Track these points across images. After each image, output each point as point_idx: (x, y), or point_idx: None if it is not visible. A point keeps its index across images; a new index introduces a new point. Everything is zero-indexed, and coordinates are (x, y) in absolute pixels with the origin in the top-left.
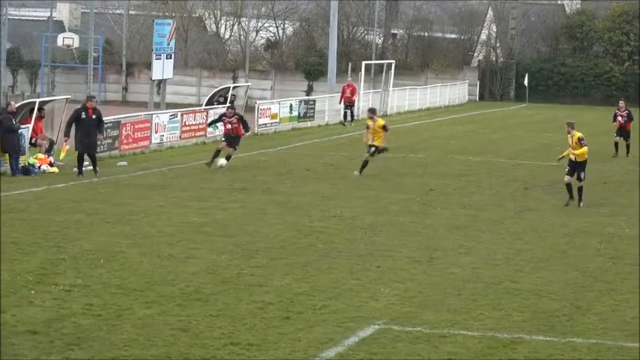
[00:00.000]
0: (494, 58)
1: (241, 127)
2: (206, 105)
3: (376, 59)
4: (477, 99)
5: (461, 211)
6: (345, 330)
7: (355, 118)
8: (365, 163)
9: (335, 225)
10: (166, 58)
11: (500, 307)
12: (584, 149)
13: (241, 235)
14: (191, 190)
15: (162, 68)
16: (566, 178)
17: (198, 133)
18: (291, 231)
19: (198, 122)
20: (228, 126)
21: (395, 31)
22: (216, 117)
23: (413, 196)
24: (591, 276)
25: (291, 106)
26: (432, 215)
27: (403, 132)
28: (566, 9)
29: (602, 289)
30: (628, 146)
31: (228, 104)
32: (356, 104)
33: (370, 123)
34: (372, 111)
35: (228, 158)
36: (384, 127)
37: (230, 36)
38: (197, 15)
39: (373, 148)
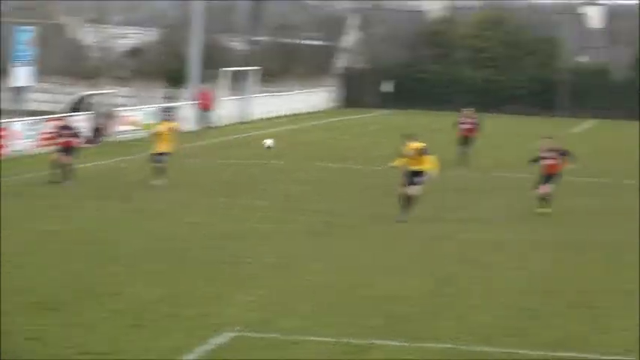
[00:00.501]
0: (356, 65)
1: (78, 139)
2: (65, 112)
3: (240, 66)
4: (340, 105)
5: (317, 217)
6: (199, 337)
7: (211, 125)
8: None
9: (191, 232)
10: (25, 65)
11: (355, 312)
12: (430, 159)
13: (97, 243)
14: (49, 198)
15: (21, 75)
16: (402, 189)
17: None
18: (147, 239)
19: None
20: (63, 139)
21: (259, 38)
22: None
23: (272, 202)
24: (444, 281)
25: (151, 112)
26: (290, 222)
27: (265, 138)
28: (428, 16)
29: (455, 294)
30: (468, 156)
31: (88, 112)
32: (215, 111)
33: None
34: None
35: (63, 167)
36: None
37: (92, 43)
38: (59, 22)
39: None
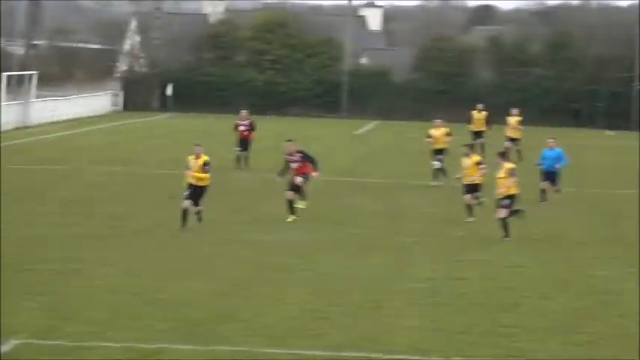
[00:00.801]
0: (137, 68)
1: None
2: None
3: (18, 70)
4: (122, 109)
5: (104, 221)
6: None
7: None
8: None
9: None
10: None
11: (144, 317)
12: (205, 175)
13: None
14: None
15: None
16: (185, 203)
17: None
18: None
19: None
20: None
21: (37, 42)
22: None
23: (56, 207)
24: (234, 284)
25: None
26: (76, 226)
27: (47, 143)
28: (210, 18)
29: (243, 297)
30: (247, 158)
31: None
32: None
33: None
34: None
35: None
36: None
37: None
38: None
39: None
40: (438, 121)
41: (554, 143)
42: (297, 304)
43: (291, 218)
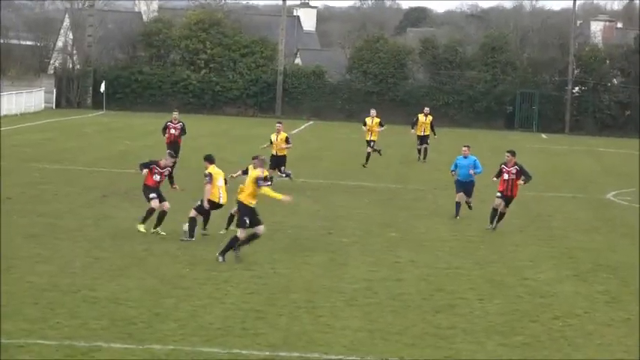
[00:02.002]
0: (70, 66)
1: None
2: None
3: None
4: (54, 106)
5: (38, 219)
6: None
7: None
8: None
9: None
10: None
11: (78, 315)
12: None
13: None
14: None
15: None
16: None
17: None
18: None
19: None
20: None
21: None
22: None
23: None
24: (169, 282)
25: None
26: (9, 224)
27: None
28: (144, 17)
29: (180, 295)
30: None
31: None
32: None
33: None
34: None
35: None
36: None
37: None
38: None
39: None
40: (373, 111)
41: (467, 151)
42: (234, 303)
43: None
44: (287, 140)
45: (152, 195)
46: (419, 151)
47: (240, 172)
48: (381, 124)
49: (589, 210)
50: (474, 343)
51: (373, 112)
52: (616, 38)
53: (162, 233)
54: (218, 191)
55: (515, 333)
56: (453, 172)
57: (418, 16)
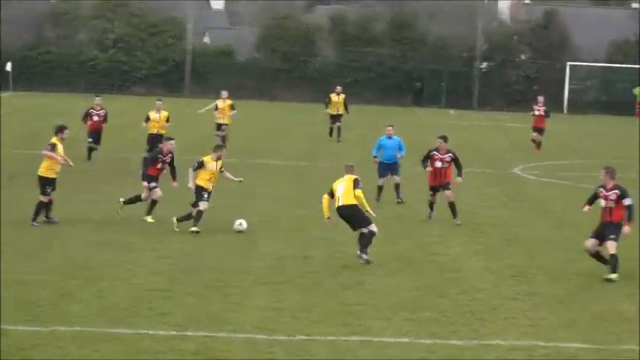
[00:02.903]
0: None
1: None
2: None
3: None
4: None
5: None
6: None
7: None
8: None
9: None
10: None
11: None
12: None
13: None
14: None
15: None
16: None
17: None
18: None
19: None
20: None
21: None
22: None
23: None
24: (76, 264)
25: None
26: None
27: None
28: None
29: (86, 277)
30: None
31: None
32: None
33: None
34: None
35: None
36: None
37: None
38: None
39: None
40: (339, 88)
41: (392, 131)
42: (141, 284)
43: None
44: (167, 119)
45: (153, 184)
46: (331, 129)
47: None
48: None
49: (497, 185)
50: (382, 319)
51: (339, 88)
52: (524, 14)
53: (151, 220)
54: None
55: (422, 308)
56: (376, 158)
57: None
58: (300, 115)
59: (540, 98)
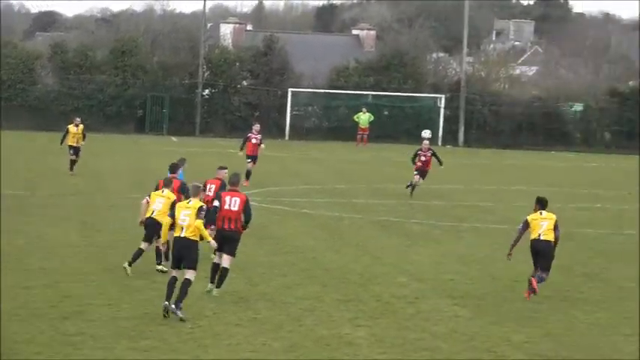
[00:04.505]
0: None
1: None
2: None
3: None
4: None
5: None
6: None
7: None
8: None
9: None
10: None
11: None
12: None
13: None
14: None
15: None
16: None
17: None
18: None
19: None
20: None
21: None
22: None
23: None
24: None
25: None
26: None
27: None
28: None
29: None
30: None
31: None
32: None
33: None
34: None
35: None
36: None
37: None
38: None
39: None
40: (257, 126)
41: None
42: None
43: None
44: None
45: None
46: (72, 161)
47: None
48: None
49: None
50: (103, 349)
51: (78, 119)
52: (246, 40)
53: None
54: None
55: (143, 336)
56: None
57: (47, 20)
58: (22, 143)
59: (256, 126)
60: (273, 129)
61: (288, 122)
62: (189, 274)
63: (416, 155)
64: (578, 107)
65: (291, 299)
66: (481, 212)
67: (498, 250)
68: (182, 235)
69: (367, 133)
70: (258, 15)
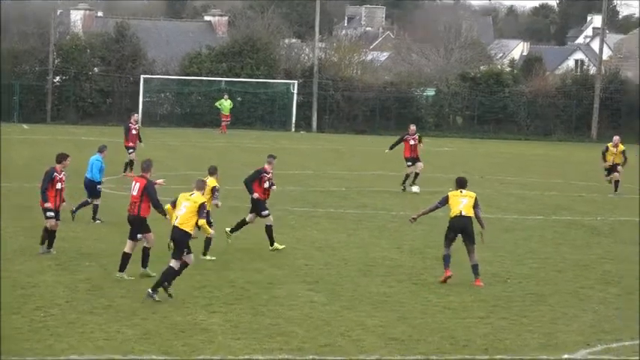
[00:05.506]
0: None
1: None
2: None
3: None
4: None
5: None
6: None
7: None
8: None
9: None
10: None
11: None
12: None
13: None
14: None
15: None
16: None
17: None
18: None
19: None
20: None
21: None
22: None
23: None
24: None
25: None
26: None
27: None
28: None
29: None
30: None
31: None
32: None
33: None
34: None
35: None
36: None
37: None
38: None
39: None
40: None
41: None
42: None
43: None
44: None
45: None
46: None
47: None
48: None
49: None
50: None
51: (135, 116)
52: (96, 27)
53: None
54: None
55: None
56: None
57: None
58: None
59: (135, 116)
60: (125, 116)
61: (140, 109)
62: (187, 259)
63: (400, 141)
64: (430, 92)
65: (145, 287)
66: (335, 198)
67: (352, 235)
68: (175, 224)
69: (229, 120)
70: (109, 1)
